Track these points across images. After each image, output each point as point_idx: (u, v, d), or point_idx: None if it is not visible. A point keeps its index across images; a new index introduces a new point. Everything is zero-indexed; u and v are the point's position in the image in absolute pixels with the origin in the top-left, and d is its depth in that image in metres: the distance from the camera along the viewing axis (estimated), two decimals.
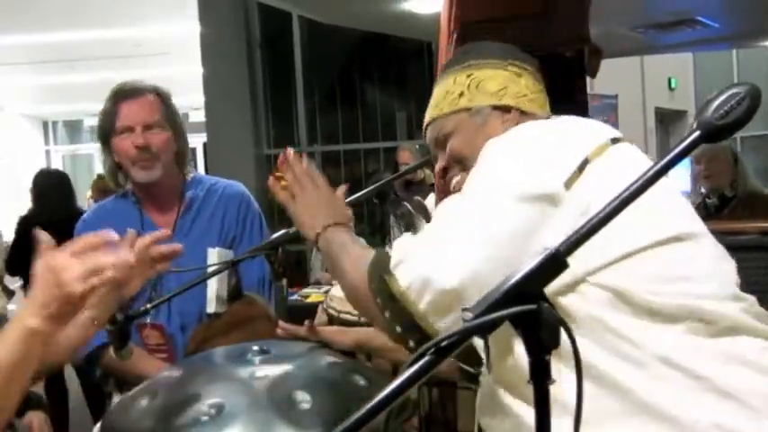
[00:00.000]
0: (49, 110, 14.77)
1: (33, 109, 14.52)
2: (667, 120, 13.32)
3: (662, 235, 1.25)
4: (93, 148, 15.02)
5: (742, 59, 14.08)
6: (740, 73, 14.11)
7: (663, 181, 1.32)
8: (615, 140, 1.35)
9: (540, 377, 0.84)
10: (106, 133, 2.24)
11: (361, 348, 1.79)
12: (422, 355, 0.84)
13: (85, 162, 15.38)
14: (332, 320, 2.12)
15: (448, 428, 1.93)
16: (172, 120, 2.25)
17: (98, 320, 1.58)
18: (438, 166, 1.63)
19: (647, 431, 1.17)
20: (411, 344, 1.31)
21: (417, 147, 7.48)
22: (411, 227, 5.80)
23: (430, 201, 5.16)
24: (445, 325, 1.27)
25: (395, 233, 5.52)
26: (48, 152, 15.47)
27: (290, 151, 1.62)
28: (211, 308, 1.97)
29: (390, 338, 1.36)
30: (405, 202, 5.55)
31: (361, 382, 1.64)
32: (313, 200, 1.58)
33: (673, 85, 13.03)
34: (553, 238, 1.17)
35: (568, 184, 1.24)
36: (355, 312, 1.86)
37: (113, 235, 1.23)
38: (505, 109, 1.53)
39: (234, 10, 8.34)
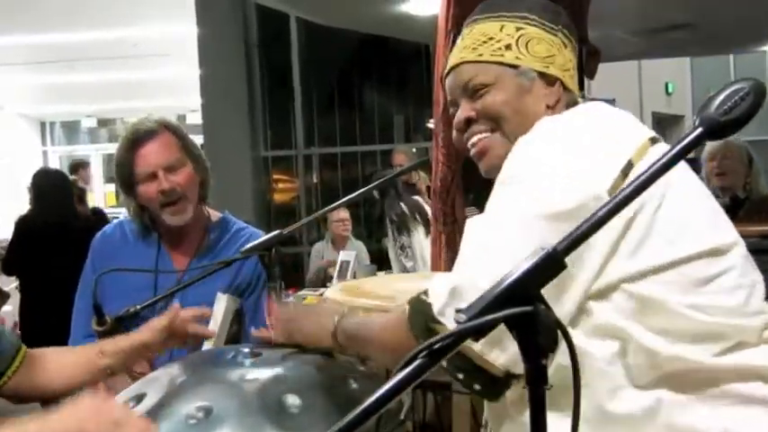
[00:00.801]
0: (47, 110, 14.72)
1: (31, 109, 14.47)
2: (664, 124, 13.32)
3: (705, 245, 1.20)
4: (90, 150, 15.00)
5: (739, 64, 14.10)
6: (737, 77, 14.08)
7: (696, 181, 1.31)
8: (654, 140, 1.29)
9: (537, 382, 0.81)
10: (126, 182, 2.17)
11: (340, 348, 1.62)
12: (414, 358, 0.81)
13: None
14: None
15: None
16: (189, 151, 2.18)
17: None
18: (461, 115, 1.47)
19: None
20: (477, 387, 1.21)
21: (414, 150, 7.47)
22: (405, 229, 5.77)
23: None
24: (506, 358, 1.16)
25: (392, 235, 5.49)
26: (45, 153, 15.42)
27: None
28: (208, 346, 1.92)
29: (459, 388, 1.28)
30: (401, 203, 5.53)
31: (354, 385, 1.61)
32: (308, 317, 1.59)
33: (670, 90, 13.05)
34: (602, 248, 1.15)
35: (612, 190, 1.15)
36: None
37: None
38: (550, 80, 1.43)
39: (232, 11, 8.32)
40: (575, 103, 1.44)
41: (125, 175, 2.16)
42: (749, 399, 1.18)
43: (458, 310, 0.81)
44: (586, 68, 2.79)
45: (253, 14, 8.74)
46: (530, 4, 1.47)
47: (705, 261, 1.20)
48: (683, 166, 1.28)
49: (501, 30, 1.43)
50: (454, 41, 2.62)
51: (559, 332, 0.80)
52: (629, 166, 1.19)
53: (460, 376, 1.19)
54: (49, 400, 1.69)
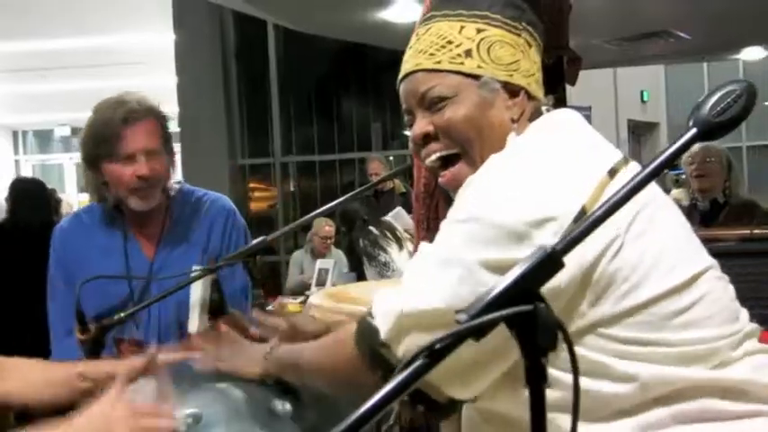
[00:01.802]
0: (20, 119, 14.61)
1: (4, 118, 14.35)
2: (639, 131, 13.44)
3: (674, 280, 1.18)
4: (63, 158, 14.87)
5: (713, 72, 14.27)
6: (711, 86, 14.26)
7: (666, 207, 1.27)
8: (613, 172, 1.18)
9: (537, 380, 0.81)
10: (98, 157, 2.08)
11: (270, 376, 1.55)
12: (414, 360, 0.81)
13: (55, 172, 15.22)
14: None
15: None
16: (167, 142, 2.16)
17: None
18: (418, 129, 1.34)
19: None
20: (422, 408, 1.23)
21: (391, 158, 7.49)
22: (381, 250, 5.78)
23: (400, 212, 5.14)
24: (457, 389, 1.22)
25: (368, 263, 5.49)
26: (17, 162, 15.28)
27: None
28: (193, 327, 1.90)
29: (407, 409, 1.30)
30: (371, 228, 5.54)
31: (317, 386, 1.61)
32: (234, 352, 1.58)
33: (645, 98, 13.17)
34: (567, 289, 1.13)
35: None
36: (335, 319, 1.82)
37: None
38: (514, 90, 1.31)
39: (209, 19, 8.30)
40: (538, 114, 1.35)
41: (101, 148, 2.06)
42: (735, 415, 1.18)
43: (458, 311, 0.81)
44: (568, 76, 2.81)
45: (230, 22, 8.73)
46: (491, 0, 1.34)
47: (674, 296, 1.18)
48: (655, 191, 1.25)
49: (460, 32, 1.31)
50: None
51: (560, 333, 0.80)
52: (582, 214, 1.11)
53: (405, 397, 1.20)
54: (21, 412, 1.66)
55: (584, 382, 0.97)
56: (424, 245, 1.28)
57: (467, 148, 1.32)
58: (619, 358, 1.16)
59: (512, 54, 1.31)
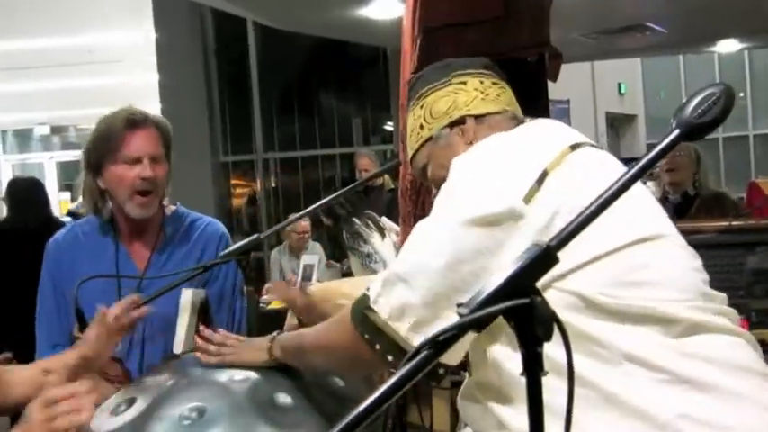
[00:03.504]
0: None
1: None
2: (617, 124, 13.58)
3: (627, 238, 1.27)
4: (43, 158, 14.75)
5: (688, 65, 14.43)
6: (687, 78, 14.46)
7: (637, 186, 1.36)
8: (575, 146, 1.36)
9: (533, 369, 0.86)
10: (101, 160, 2.10)
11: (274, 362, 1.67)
12: (419, 351, 0.86)
13: (36, 171, 15.08)
14: (302, 324, 2.12)
15: (423, 428, 1.95)
16: (167, 152, 2.19)
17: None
18: (434, 195, 1.62)
19: (617, 423, 1.20)
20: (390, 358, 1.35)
21: (374, 153, 7.52)
22: (363, 240, 5.79)
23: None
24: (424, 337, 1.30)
25: (354, 254, 5.52)
26: None
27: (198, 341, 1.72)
28: (178, 349, 1.92)
29: (388, 369, 1.38)
30: (354, 219, 5.56)
31: (340, 383, 1.66)
32: (237, 342, 1.68)
33: (622, 90, 13.30)
34: (519, 251, 1.21)
35: (528, 198, 1.26)
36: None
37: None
38: (459, 122, 1.54)
39: (189, 17, 8.30)
40: (519, 123, 1.54)
41: (107, 151, 2.08)
42: (703, 385, 1.23)
43: (459, 305, 0.86)
44: (549, 71, 2.86)
45: (210, 20, 8.73)
46: (423, 79, 1.62)
47: (626, 252, 1.26)
48: (609, 159, 1.41)
49: (414, 117, 1.61)
50: (421, 48, 2.68)
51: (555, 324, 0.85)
52: (544, 174, 1.28)
53: (390, 358, 1.34)
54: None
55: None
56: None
57: None
58: (580, 314, 1.22)
59: (446, 101, 1.57)
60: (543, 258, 0.88)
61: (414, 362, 0.85)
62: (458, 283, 1.28)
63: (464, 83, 1.57)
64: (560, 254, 1.18)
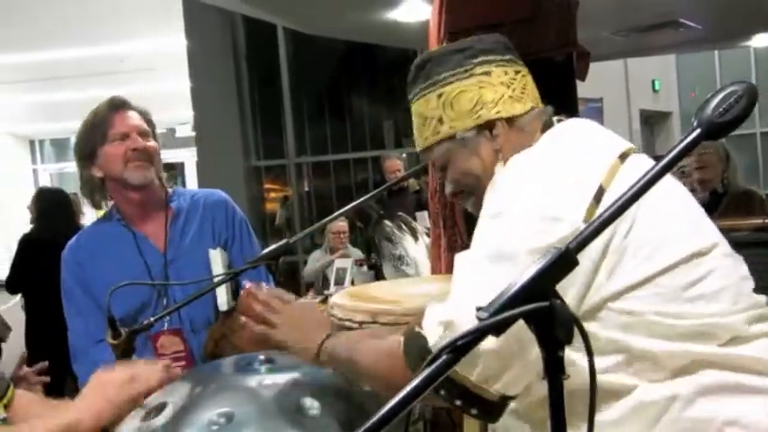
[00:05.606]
0: (36, 128, 14.72)
1: (20, 128, 14.48)
2: (652, 121, 13.41)
3: (682, 253, 1.25)
4: None
5: (724, 60, 14.21)
6: (722, 73, 14.25)
7: (675, 189, 1.35)
8: (623, 156, 1.32)
9: (555, 373, 0.86)
10: (93, 145, 2.21)
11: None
12: (439, 356, 0.86)
13: (73, 180, 15.31)
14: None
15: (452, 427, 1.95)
16: (153, 129, 2.29)
17: None
18: (448, 192, 1.59)
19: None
20: (474, 412, 1.27)
21: (404, 155, 7.52)
22: (396, 244, 5.79)
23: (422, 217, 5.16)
24: (503, 385, 1.24)
25: (383, 254, 5.52)
26: (35, 171, 15.40)
27: (247, 284, 1.62)
28: (224, 306, 2.03)
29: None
30: (387, 221, 5.58)
31: (367, 387, 1.66)
32: (294, 318, 1.54)
33: (656, 87, 13.13)
34: (585, 268, 1.21)
35: (588, 216, 1.21)
36: (357, 319, 1.86)
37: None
38: (489, 126, 1.45)
39: (220, 24, 8.37)
40: (549, 125, 1.46)
41: (94, 137, 2.20)
42: (749, 389, 1.23)
43: (478, 308, 0.86)
44: (578, 71, 2.85)
45: (240, 26, 8.79)
46: (437, 61, 1.50)
47: (683, 269, 1.24)
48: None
49: (428, 105, 1.49)
50: None
51: (576, 326, 0.85)
52: (601, 191, 1.23)
53: (458, 403, 1.26)
54: None
55: (599, 361, 1.02)
56: (462, 255, 1.34)
57: (470, 190, 1.52)
58: (631, 333, 1.22)
59: (470, 98, 1.46)
60: (562, 261, 0.87)
61: (433, 366, 0.85)
62: None
63: (488, 73, 1.47)
64: (613, 274, 1.20)
